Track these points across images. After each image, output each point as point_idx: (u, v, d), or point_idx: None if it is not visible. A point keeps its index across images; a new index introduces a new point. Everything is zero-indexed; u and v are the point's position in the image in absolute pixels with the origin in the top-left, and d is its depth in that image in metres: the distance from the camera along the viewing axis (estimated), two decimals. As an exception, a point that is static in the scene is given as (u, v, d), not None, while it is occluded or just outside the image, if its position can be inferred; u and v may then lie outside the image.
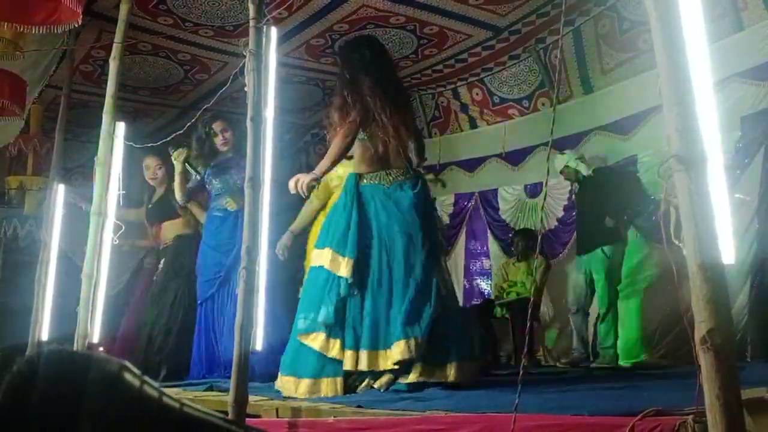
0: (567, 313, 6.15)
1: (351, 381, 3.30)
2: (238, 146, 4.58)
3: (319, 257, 3.50)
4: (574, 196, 6.37)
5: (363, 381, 3.30)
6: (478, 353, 3.48)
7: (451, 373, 3.26)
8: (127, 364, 0.84)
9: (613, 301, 5.80)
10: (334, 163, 3.52)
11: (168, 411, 0.83)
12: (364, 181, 3.57)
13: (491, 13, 5.65)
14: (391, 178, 3.55)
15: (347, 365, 3.26)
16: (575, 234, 6.19)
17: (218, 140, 4.74)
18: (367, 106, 3.50)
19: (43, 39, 4.72)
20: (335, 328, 3.31)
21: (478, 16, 5.69)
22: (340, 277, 3.36)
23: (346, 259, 3.37)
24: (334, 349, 3.29)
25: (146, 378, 0.85)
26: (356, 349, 3.27)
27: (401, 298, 3.32)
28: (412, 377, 3.21)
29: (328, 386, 3.26)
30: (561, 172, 6.06)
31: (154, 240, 5.34)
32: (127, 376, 0.83)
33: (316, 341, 3.32)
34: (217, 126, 4.73)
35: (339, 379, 3.27)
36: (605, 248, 5.79)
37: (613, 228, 5.81)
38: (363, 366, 3.24)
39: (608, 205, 5.80)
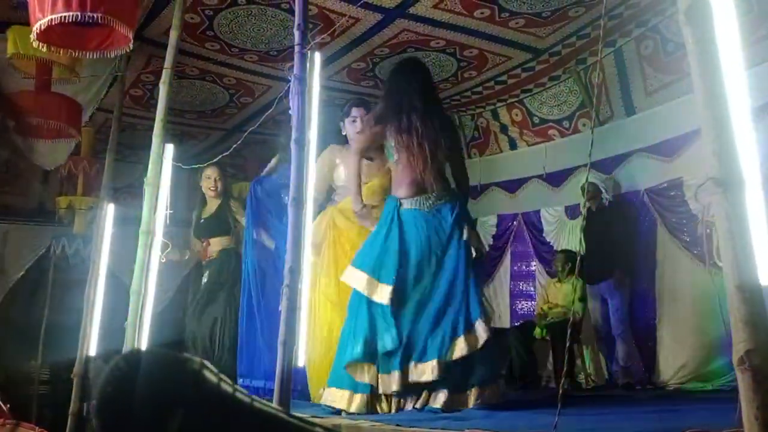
0: (596, 341, 6.12)
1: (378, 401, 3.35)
2: None
3: (354, 278, 3.51)
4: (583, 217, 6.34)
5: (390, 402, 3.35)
6: (498, 372, 3.49)
7: (471, 399, 3.26)
8: (206, 362, 0.93)
9: (629, 323, 5.78)
10: (357, 182, 3.76)
11: (242, 406, 0.92)
12: (404, 206, 3.58)
13: (531, 36, 5.67)
14: (430, 202, 3.55)
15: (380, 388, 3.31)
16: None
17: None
18: (393, 126, 3.58)
19: (96, 64, 4.90)
20: (368, 356, 3.34)
21: (518, 39, 5.71)
22: (379, 305, 3.37)
23: (383, 284, 3.39)
24: (367, 375, 3.34)
25: (222, 375, 0.93)
26: (387, 372, 3.31)
27: (438, 321, 3.33)
28: (435, 403, 3.22)
29: (360, 402, 3.30)
30: (582, 188, 6.06)
31: (199, 255, 5.33)
32: (207, 373, 0.91)
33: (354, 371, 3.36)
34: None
35: (366, 396, 3.32)
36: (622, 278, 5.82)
37: (623, 257, 5.87)
38: (394, 387, 3.26)
39: (619, 237, 5.92)
